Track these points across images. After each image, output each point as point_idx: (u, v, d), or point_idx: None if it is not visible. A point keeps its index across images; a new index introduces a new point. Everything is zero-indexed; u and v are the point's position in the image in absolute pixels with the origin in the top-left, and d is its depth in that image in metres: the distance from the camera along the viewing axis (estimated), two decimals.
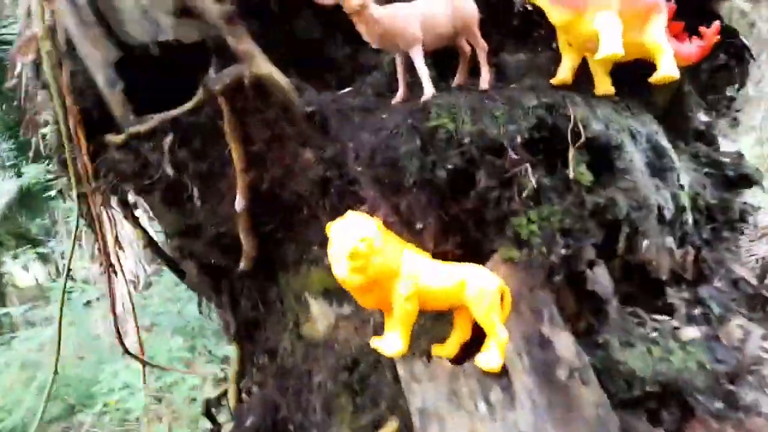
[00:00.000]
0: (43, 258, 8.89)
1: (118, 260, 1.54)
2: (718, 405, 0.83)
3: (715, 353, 0.85)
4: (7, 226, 8.70)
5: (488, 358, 0.71)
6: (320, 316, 1.03)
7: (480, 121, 0.73)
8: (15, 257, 8.97)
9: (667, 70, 0.79)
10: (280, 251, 1.01)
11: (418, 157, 0.74)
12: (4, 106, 7.89)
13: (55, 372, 1.54)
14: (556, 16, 0.77)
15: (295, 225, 0.96)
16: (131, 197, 1.30)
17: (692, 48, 0.90)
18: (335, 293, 0.99)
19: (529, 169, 0.72)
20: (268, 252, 1.04)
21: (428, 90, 0.79)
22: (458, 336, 0.78)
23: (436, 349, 0.77)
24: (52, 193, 5.37)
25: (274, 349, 1.08)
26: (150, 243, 1.40)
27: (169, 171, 0.95)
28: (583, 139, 0.75)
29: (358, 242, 0.66)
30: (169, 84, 0.99)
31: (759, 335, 0.86)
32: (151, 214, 1.51)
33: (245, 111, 0.90)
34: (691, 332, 0.87)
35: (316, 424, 0.97)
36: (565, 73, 0.82)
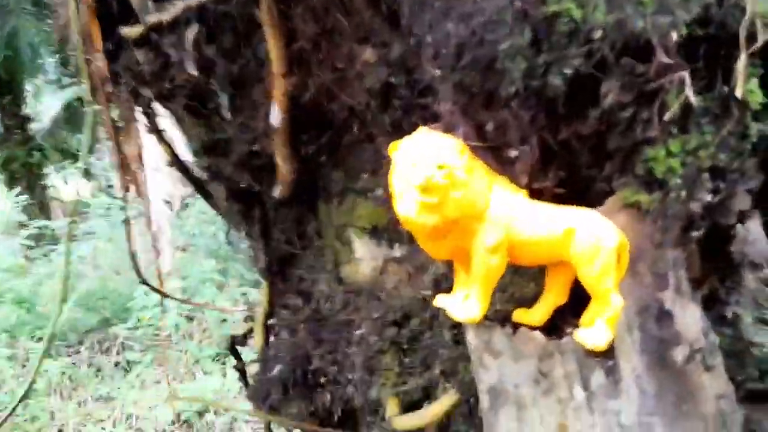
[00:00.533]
0: (86, 173, 8.96)
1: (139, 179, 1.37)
2: None
3: None
4: (52, 141, 8.77)
5: (594, 334, 0.52)
6: (365, 257, 0.84)
7: (619, 8, 0.50)
8: (59, 171, 9.08)
9: None
10: (322, 177, 0.82)
11: (526, 57, 0.51)
12: (50, 21, 7.75)
13: (64, 301, 1.41)
14: None
15: (343, 146, 0.76)
16: (155, 105, 1.10)
17: None
18: (386, 231, 0.80)
19: (687, 79, 0.49)
20: (309, 177, 0.84)
21: None
22: (551, 299, 0.56)
23: (520, 315, 0.56)
24: None
25: (309, 291, 0.91)
26: (175, 160, 1.22)
27: (193, 71, 0.74)
28: (760, 42, 0.51)
29: (434, 170, 0.43)
30: None
31: None
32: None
33: None
34: None
35: (354, 382, 0.80)
36: None
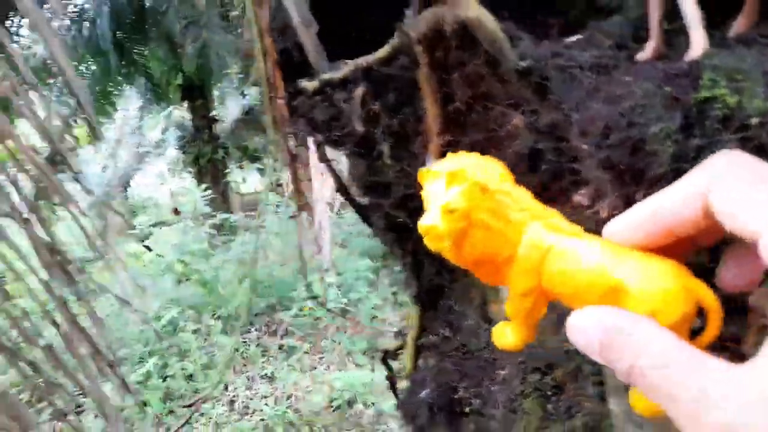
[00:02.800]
0: (261, 171, 10.07)
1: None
2: None
3: None
4: (233, 140, 9.95)
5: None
6: None
7: None
8: (239, 168, 10.29)
9: None
10: None
11: (676, 141, 0.53)
12: (235, 32, 8.80)
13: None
14: None
15: None
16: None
17: None
18: None
19: None
20: None
21: (698, 43, 0.56)
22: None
23: (634, 403, 0.40)
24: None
25: (457, 323, 0.99)
26: (341, 188, 1.37)
27: (359, 127, 0.86)
28: None
29: (437, 217, 0.37)
30: (364, 30, 0.89)
31: None
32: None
33: (445, 64, 0.76)
34: None
35: (498, 418, 0.86)
36: None
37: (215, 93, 9.55)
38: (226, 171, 9.59)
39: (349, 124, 0.95)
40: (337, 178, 1.42)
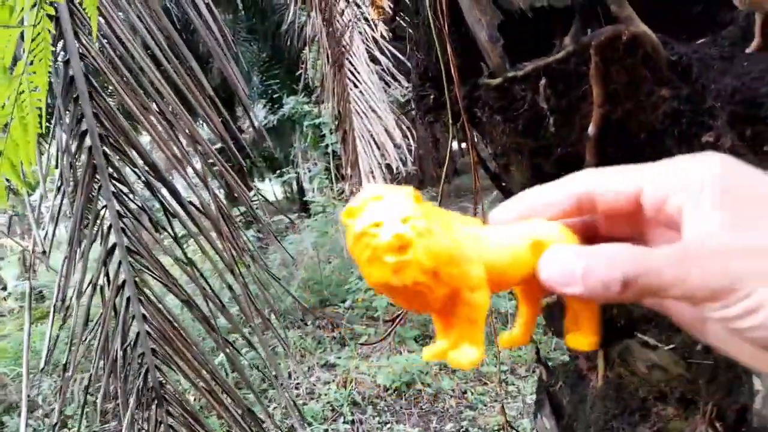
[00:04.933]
0: (283, 180, 10.51)
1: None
2: None
3: None
4: (257, 150, 10.39)
5: (579, 338, 0.45)
6: None
7: None
8: (262, 177, 10.75)
9: None
10: None
11: None
12: (259, 45, 9.29)
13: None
14: None
15: (638, 152, 1.29)
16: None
17: None
18: None
19: None
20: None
21: None
22: (527, 314, 0.48)
23: (504, 340, 0.48)
24: (309, 123, 6.41)
25: None
26: (480, 160, 1.84)
27: (544, 105, 1.33)
28: None
29: (400, 225, 0.35)
30: (534, 41, 1.36)
31: None
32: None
33: (611, 60, 1.22)
34: None
35: None
36: None
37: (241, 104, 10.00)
38: (251, 179, 10.02)
39: (523, 107, 1.41)
40: (477, 152, 1.88)
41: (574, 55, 1.29)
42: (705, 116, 1.13)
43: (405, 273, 0.36)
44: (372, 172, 5.15)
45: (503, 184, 1.78)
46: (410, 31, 1.82)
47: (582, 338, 0.45)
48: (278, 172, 9.33)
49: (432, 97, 1.76)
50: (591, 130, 1.39)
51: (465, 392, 4.61)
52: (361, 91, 4.83)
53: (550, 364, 1.82)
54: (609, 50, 1.21)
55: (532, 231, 0.42)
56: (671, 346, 1.28)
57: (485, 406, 4.44)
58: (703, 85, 1.11)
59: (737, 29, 1.14)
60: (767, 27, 1.06)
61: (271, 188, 10.89)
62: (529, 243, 0.41)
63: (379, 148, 4.95)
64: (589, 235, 0.44)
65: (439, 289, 0.38)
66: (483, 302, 0.40)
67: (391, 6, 1.93)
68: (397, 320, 4.00)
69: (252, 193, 7.42)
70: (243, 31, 9.68)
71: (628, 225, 0.43)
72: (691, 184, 0.35)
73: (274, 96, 8.40)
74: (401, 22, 1.79)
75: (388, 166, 5.02)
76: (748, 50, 1.10)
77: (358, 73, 4.71)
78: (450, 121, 1.65)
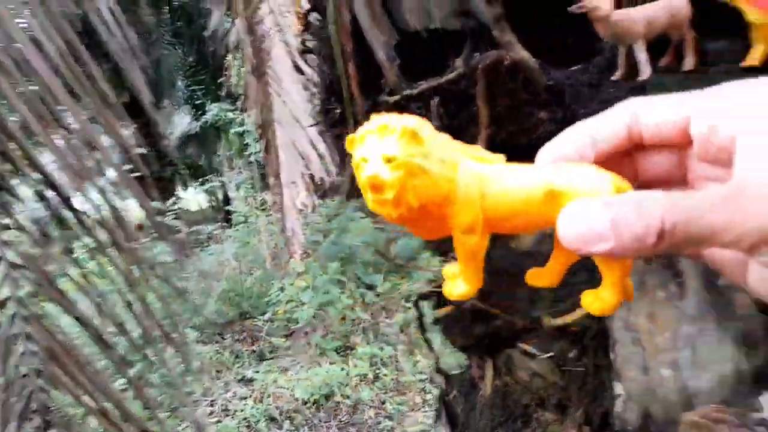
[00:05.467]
0: (208, 188, 10.24)
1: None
2: None
3: None
4: (180, 158, 10.07)
5: (594, 299, 0.39)
6: (526, 234, 1.43)
7: None
8: (186, 185, 10.40)
9: None
10: None
11: None
12: (184, 49, 9.03)
13: None
14: (751, 16, 1.06)
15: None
16: None
17: None
18: None
19: None
20: None
21: (645, 72, 1.12)
22: (562, 258, 0.46)
23: (533, 277, 0.48)
24: (236, 130, 6.30)
25: (488, 256, 1.51)
26: None
27: (437, 123, 1.38)
28: None
29: (379, 165, 0.36)
30: (434, 59, 1.41)
31: None
32: None
33: (495, 83, 1.29)
34: None
35: (523, 309, 1.39)
36: (753, 58, 1.12)
37: (164, 108, 9.67)
38: (174, 190, 9.70)
39: None
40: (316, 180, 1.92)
41: (464, 77, 1.36)
42: None
43: (386, 208, 0.37)
44: (294, 182, 5.12)
45: None
46: (317, 44, 1.85)
47: (597, 299, 0.39)
48: (201, 180, 9.08)
49: (338, 111, 1.78)
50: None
51: (384, 402, 4.63)
52: (284, 101, 4.80)
53: (448, 373, 1.88)
54: (494, 74, 1.28)
55: (552, 177, 0.37)
56: (549, 354, 1.36)
57: (404, 415, 4.49)
58: (575, 110, 1.19)
59: (604, 59, 1.24)
60: (630, 58, 1.16)
61: (194, 197, 10.57)
62: (543, 191, 0.37)
63: (303, 158, 4.93)
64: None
65: (434, 223, 0.39)
66: (473, 245, 0.40)
67: (305, 16, 1.95)
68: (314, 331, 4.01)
69: (170, 202, 7.17)
70: (168, 34, 9.36)
71: (673, 167, 0.37)
72: (747, 110, 0.30)
73: (197, 102, 8.19)
74: (309, 35, 1.80)
75: (312, 177, 5.01)
76: (613, 78, 1.20)
77: (282, 82, 4.69)
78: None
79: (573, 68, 1.26)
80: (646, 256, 0.32)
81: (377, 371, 4.93)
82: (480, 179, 0.39)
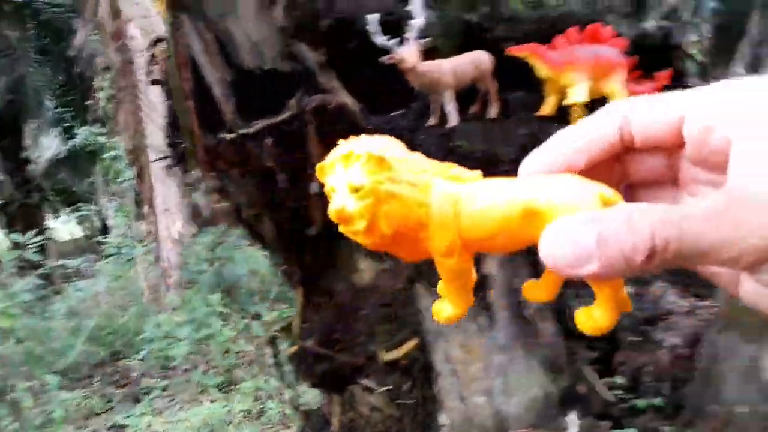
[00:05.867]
0: (82, 216, 9.54)
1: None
2: (637, 339, 1.26)
3: (640, 304, 1.28)
4: (50, 183, 9.32)
5: (587, 318, 0.37)
6: (366, 269, 1.48)
7: (487, 142, 1.16)
8: (56, 214, 9.62)
9: None
10: None
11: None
12: (52, 67, 8.43)
13: None
14: (541, 72, 1.19)
15: None
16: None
17: (647, 87, 1.30)
18: (378, 253, 1.44)
19: None
20: (330, 222, 1.48)
21: (453, 119, 1.22)
22: (553, 275, 0.42)
23: (529, 292, 0.42)
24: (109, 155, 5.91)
25: (331, 291, 1.54)
26: (235, 211, 1.86)
27: (268, 164, 1.39)
28: None
29: (345, 197, 0.35)
30: (269, 98, 1.43)
31: (672, 293, 1.29)
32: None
33: (324, 123, 1.34)
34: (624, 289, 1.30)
35: (361, 343, 1.43)
36: (547, 109, 1.24)
37: (31, 129, 8.94)
38: (42, 216, 8.95)
39: (257, 162, 1.46)
40: (232, 205, 1.90)
41: (297, 118, 1.39)
42: None
43: (359, 237, 0.35)
44: (169, 210, 4.92)
45: (257, 233, 1.82)
46: (163, 76, 1.80)
47: (590, 318, 0.36)
48: (73, 207, 8.44)
49: (183, 145, 1.75)
50: (314, 187, 1.49)
51: None
52: (156, 127, 4.62)
53: (307, 410, 1.87)
54: (323, 116, 1.33)
55: (530, 194, 0.35)
56: (386, 388, 1.40)
57: None
58: None
59: (422, 104, 1.32)
60: (439, 103, 1.25)
61: (65, 226, 9.79)
62: (521, 209, 0.35)
63: (178, 186, 4.75)
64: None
65: (413, 246, 0.37)
66: (453, 267, 0.38)
67: (153, 46, 1.89)
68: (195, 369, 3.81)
69: (31, 234, 6.59)
70: (32, 51, 8.70)
71: (664, 168, 0.35)
72: (743, 112, 0.28)
73: (65, 125, 7.65)
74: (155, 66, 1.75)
75: (192, 204, 4.83)
76: (427, 124, 1.28)
77: (156, 106, 4.51)
78: (200, 169, 1.65)
79: (394, 113, 1.33)
80: (636, 275, 0.28)
81: (262, 406, 4.79)
82: (454, 200, 0.37)
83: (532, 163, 0.36)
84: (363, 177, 0.34)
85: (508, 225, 0.34)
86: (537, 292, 0.41)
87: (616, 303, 0.34)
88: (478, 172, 0.37)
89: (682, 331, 1.28)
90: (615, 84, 1.19)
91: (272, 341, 1.87)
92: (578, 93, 1.14)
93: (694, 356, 1.25)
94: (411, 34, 1.15)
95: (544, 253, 0.28)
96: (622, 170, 0.36)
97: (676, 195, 0.34)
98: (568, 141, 0.35)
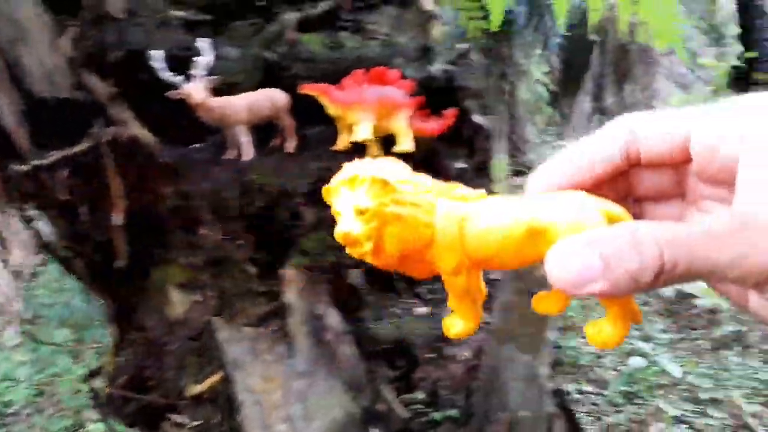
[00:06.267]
0: None
1: None
2: (432, 355, 1.37)
3: (433, 323, 1.39)
4: None
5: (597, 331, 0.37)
6: (178, 301, 1.46)
7: (281, 177, 1.21)
8: None
9: (403, 146, 1.30)
10: (148, 253, 1.44)
11: (237, 199, 1.20)
12: None
13: None
14: (330, 110, 1.26)
15: (158, 235, 1.39)
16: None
17: (434, 125, 1.41)
18: (189, 284, 1.43)
19: (307, 208, 1.21)
20: (140, 253, 1.45)
21: (248, 153, 1.25)
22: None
23: (537, 303, 0.42)
24: None
25: (144, 326, 1.50)
26: (45, 245, 1.75)
27: (63, 196, 1.34)
28: None
29: (351, 221, 0.35)
30: (65, 128, 1.38)
31: None
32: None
33: (121, 156, 1.31)
34: (422, 310, 1.40)
35: (171, 379, 1.40)
36: (341, 144, 1.32)
37: None
38: None
39: (53, 194, 1.39)
40: (39, 237, 1.79)
41: (95, 149, 1.35)
42: (198, 212, 1.29)
43: (367, 259, 0.36)
44: (5, 239, 4.46)
45: (74, 270, 1.73)
46: None
47: (600, 332, 0.36)
48: None
49: None
50: (116, 219, 1.45)
51: None
52: None
53: None
54: (121, 147, 1.30)
55: (535, 212, 0.34)
56: (197, 423, 1.38)
57: None
58: (188, 190, 1.26)
59: (220, 138, 1.34)
60: (234, 137, 1.29)
61: None
62: (525, 228, 0.34)
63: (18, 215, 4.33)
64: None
65: (421, 265, 0.37)
66: (462, 286, 0.38)
67: None
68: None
69: None
70: None
71: (671, 184, 0.35)
72: (752, 134, 0.27)
73: None
74: None
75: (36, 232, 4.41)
76: (224, 156, 1.30)
77: None
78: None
79: (193, 146, 1.34)
80: (643, 292, 0.28)
81: None
82: (459, 220, 0.37)
83: (537, 181, 0.36)
84: (368, 200, 0.34)
85: (513, 243, 0.34)
86: (547, 304, 0.41)
87: (626, 316, 0.34)
88: (482, 191, 0.38)
89: (471, 345, 1.40)
90: (399, 122, 1.30)
91: (88, 377, 1.77)
92: (362, 131, 1.22)
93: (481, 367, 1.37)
94: (197, 71, 1.17)
95: (550, 274, 0.29)
96: (629, 185, 0.36)
97: (683, 209, 0.34)
98: (574, 158, 0.35)
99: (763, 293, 0.28)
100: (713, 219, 0.27)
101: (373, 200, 0.35)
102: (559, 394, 1.62)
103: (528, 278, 1.28)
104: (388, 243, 0.36)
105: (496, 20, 2.62)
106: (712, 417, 3.41)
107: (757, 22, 6.91)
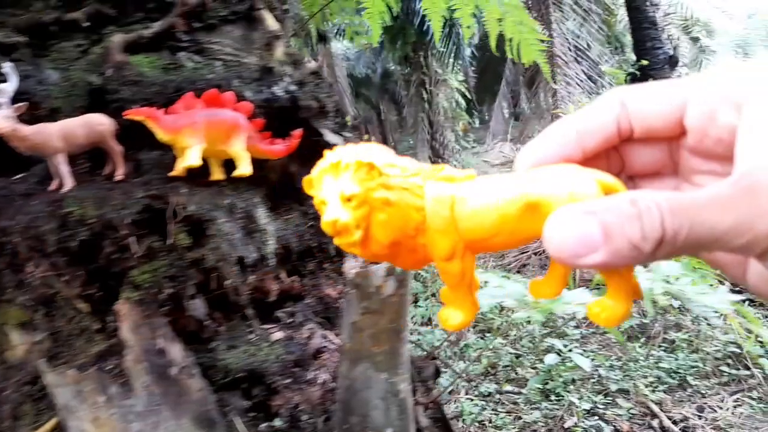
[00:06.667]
0: None
1: None
2: (289, 381, 1.33)
3: (288, 348, 1.35)
4: None
5: (601, 309, 0.35)
6: (19, 343, 1.36)
7: (103, 207, 1.14)
8: None
9: (242, 170, 1.27)
10: None
11: (55, 232, 1.12)
12: None
13: None
14: (159, 135, 1.21)
15: None
16: None
17: (281, 147, 1.39)
18: (29, 324, 1.33)
19: (134, 239, 1.15)
20: None
21: (68, 183, 1.18)
22: (557, 270, 0.40)
23: (535, 288, 0.41)
24: None
25: None
26: None
27: None
28: (180, 216, 1.19)
29: (338, 209, 0.33)
30: None
31: (320, 334, 1.38)
32: None
33: None
34: (277, 335, 1.36)
35: (8, 428, 1.30)
36: (179, 169, 1.26)
37: None
38: None
39: None
40: None
41: None
42: (18, 248, 1.21)
43: (356, 249, 0.34)
44: None
45: None
46: None
47: (604, 309, 0.34)
48: None
49: None
50: None
51: None
52: None
53: None
54: None
55: (529, 187, 0.32)
56: None
57: None
58: (7, 221, 1.18)
59: (44, 167, 1.26)
60: (55, 167, 1.21)
61: None
62: (521, 204, 0.33)
63: None
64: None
65: (413, 254, 0.36)
66: (457, 271, 0.36)
67: None
68: None
69: None
70: None
71: (663, 159, 0.33)
72: (749, 98, 0.26)
73: None
74: None
75: None
76: (49, 188, 1.23)
77: None
78: None
79: (15, 177, 1.26)
80: (644, 263, 0.26)
81: None
82: (450, 202, 0.35)
83: (526, 156, 0.34)
84: (354, 185, 0.33)
85: (509, 221, 0.33)
86: (543, 289, 0.40)
87: (627, 291, 0.33)
88: (471, 171, 0.36)
89: (330, 367, 1.37)
90: (236, 146, 1.26)
91: None
92: (191, 156, 1.18)
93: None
94: (1, 98, 1.09)
95: (548, 246, 0.27)
96: (621, 162, 0.35)
97: (676, 185, 0.33)
98: (564, 132, 0.33)
99: (766, 261, 0.27)
100: (715, 185, 0.25)
101: (359, 185, 0.33)
102: (436, 407, 1.62)
103: (375, 299, 1.27)
104: (377, 230, 0.34)
105: (376, 35, 2.65)
106: (620, 407, 3.54)
107: (649, 32, 7.37)
